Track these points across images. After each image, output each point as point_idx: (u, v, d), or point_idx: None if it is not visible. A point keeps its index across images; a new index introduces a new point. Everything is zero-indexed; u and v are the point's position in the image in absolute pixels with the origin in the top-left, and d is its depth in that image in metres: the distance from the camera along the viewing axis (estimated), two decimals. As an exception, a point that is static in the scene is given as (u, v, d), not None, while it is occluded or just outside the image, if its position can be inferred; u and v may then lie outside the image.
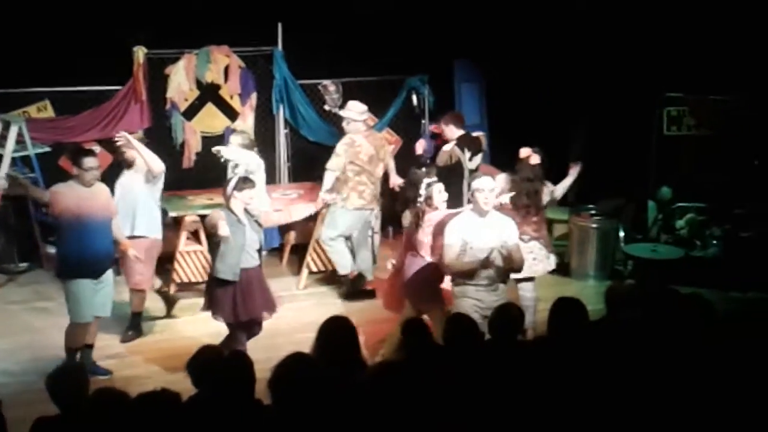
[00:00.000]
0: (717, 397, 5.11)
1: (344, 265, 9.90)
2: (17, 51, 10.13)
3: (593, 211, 10.79)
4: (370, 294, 9.87)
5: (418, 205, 7.96)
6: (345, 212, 9.65)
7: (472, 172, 9.39)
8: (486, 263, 7.02)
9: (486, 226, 7.16)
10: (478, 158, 9.80)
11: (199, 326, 8.90)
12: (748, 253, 9.91)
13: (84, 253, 7.54)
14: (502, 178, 8.45)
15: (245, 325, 7.71)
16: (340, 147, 9.65)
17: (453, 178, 9.17)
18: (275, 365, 4.71)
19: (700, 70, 10.66)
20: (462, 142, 9.61)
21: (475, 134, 9.93)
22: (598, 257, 10.48)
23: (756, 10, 10.13)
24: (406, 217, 8.94)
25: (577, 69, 11.52)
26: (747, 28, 10.26)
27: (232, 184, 7.53)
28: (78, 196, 7.51)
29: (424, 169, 8.95)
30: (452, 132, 9.71)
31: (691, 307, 5.86)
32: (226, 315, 7.58)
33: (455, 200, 8.51)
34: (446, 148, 9.58)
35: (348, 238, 9.88)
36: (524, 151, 8.81)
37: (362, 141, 9.67)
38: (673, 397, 5.10)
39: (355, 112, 9.72)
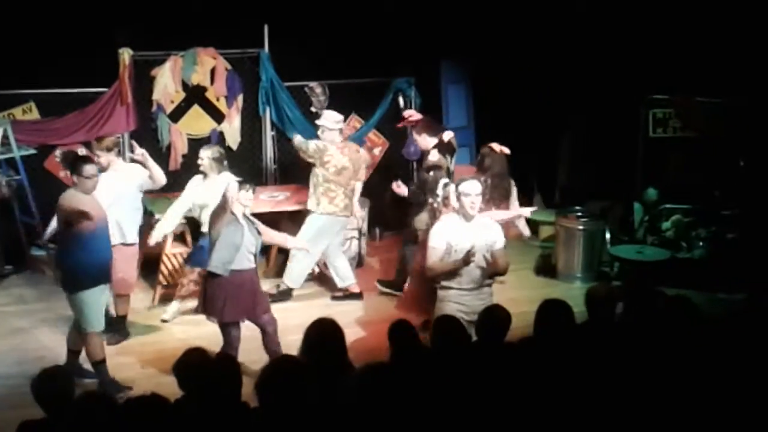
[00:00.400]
0: (703, 398, 5.12)
1: (294, 279, 9.82)
2: (1, 52, 10.09)
3: (579, 213, 10.81)
4: (358, 296, 9.87)
5: (435, 205, 8.03)
6: (317, 217, 9.62)
7: (450, 173, 9.43)
8: (467, 259, 7.01)
9: (471, 230, 7.16)
10: (453, 159, 9.83)
11: (188, 328, 8.91)
12: (734, 255, 9.93)
13: (98, 261, 7.53)
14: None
15: (236, 327, 7.72)
16: (312, 144, 9.64)
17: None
18: (262, 367, 4.71)
19: (685, 72, 10.70)
20: (442, 149, 9.61)
21: (444, 136, 9.86)
22: (584, 259, 10.49)
23: (741, 12, 10.17)
24: (421, 221, 8.99)
25: (563, 71, 11.55)
26: (732, 31, 10.30)
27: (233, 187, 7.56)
28: (85, 204, 7.48)
29: (431, 173, 8.94)
30: (426, 141, 9.67)
31: (676, 308, 5.88)
32: (216, 314, 7.60)
33: None
34: (433, 158, 9.55)
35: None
36: (496, 146, 8.94)
37: (335, 152, 9.59)
38: (659, 398, 5.11)
39: (331, 121, 9.65)
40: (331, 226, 9.70)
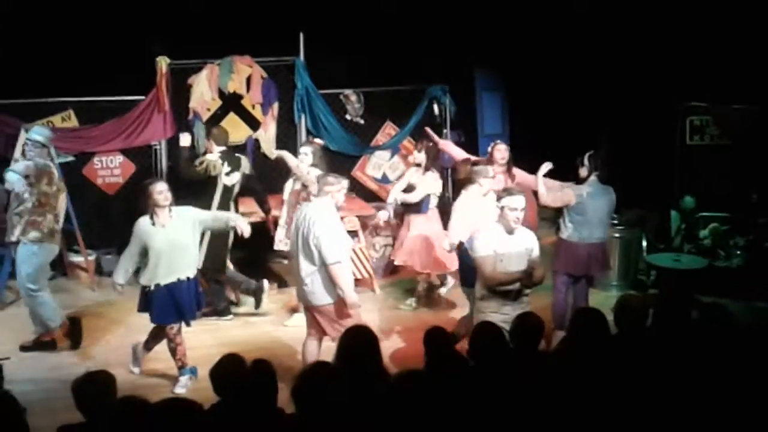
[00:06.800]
0: (739, 407, 5.08)
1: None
2: (41, 61, 10.22)
3: (616, 221, 10.73)
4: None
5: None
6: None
7: (227, 188, 9.27)
8: (526, 274, 6.98)
9: (512, 238, 7.10)
10: (236, 176, 9.39)
11: (220, 335, 8.93)
12: (772, 263, 9.85)
13: None
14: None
15: None
16: None
17: (207, 188, 9.16)
18: (298, 374, 4.73)
19: (722, 79, 10.62)
20: (224, 156, 9.34)
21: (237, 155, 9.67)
22: (620, 267, 10.43)
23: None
24: None
25: (600, 78, 11.50)
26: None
27: None
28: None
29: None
30: (213, 147, 9.36)
31: (711, 316, 5.83)
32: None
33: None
34: (210, 157, 9.28)
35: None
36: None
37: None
38: (694, 407, 5.07)
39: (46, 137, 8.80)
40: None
